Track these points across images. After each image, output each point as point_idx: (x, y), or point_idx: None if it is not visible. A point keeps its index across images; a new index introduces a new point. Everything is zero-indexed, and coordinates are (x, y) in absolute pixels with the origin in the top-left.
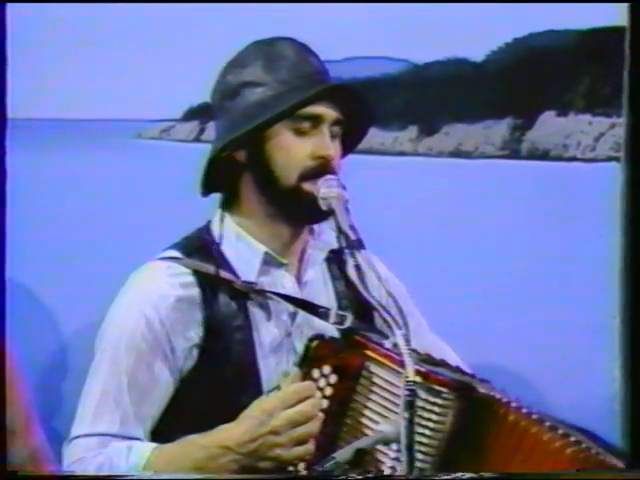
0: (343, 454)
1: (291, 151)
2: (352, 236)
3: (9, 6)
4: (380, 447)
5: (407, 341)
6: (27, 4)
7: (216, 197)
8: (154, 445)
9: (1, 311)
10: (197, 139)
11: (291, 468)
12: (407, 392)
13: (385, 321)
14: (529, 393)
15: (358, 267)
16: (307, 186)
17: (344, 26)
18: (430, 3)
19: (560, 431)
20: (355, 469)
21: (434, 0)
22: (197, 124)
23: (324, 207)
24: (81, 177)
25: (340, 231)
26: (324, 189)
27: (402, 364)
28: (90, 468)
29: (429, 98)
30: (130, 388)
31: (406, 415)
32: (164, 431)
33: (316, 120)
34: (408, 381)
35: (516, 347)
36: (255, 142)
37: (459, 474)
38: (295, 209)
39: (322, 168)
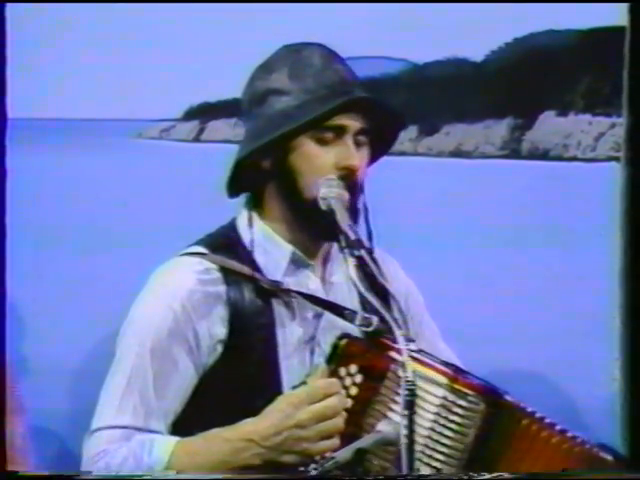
0: (343, 454)
1: (315, 161)
2: (351, 236)
3: (9, 6)
4: (386, 449)
5: (408, 340)
6: (27, 4)
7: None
8: (177, 439)
9: (1, 310)
10: (197, 139)
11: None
12: (406, 392)
13: (385, 320)
14: (529, 393)
15: (358, 266)
16: None
17: (344, 26)
18: (430, 3)
19: (569, 434)
20: (356, 469)
21: (434, 0)
22: (197, 124)
23: (324, 207)
24: (81, 177)
25: (340, 231)
26: (324, 189)
27: (402, 365)
28: (114, 461)
29: (429, 98)
30: (155, 381)
31: (406, 415)
32: (184, 425)
33: (340, 130)
34: (407, 381)
35: (516, 347)
36: (279, 151)
37: (459, 475)
38: (318, 223)
39: (346, 179)
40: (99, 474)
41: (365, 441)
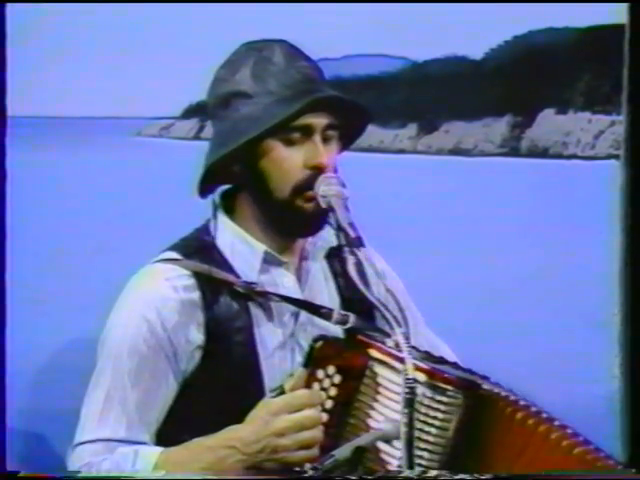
0: (342, 452)
1: (283, 163)
2: (351, 234)
3: (9, 6)
4: (385, 448)
5: (407, 338)
6: (27, 4)
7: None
8: (160, 449)
9: (1, 311)
10: (196, 137)
11: (296, 468)
12: (407, 389)
13: (385, 319)
14: (528, 391)
15: (358, 265)
16: (300, 201)
17: (344, 24)
18: (430, 3)
19: (569, 430)
20: (355, 467)
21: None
22: (197, 122)
23: (323, 205)
24: (80, 175)
25: (339, 229)
26: (324, 187)
27: (402, 361)
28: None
29: (428, 96)
30: (134, 392)
31: (406, 413)
32: (169, 434)
33: (307, 130)
34: (408, 378)
35: (515, 345)
36: (247, 156)
37: (460, 475)
38: (290, 223)
39: (315, 178)
40: (98, 475)
41: (364, 439)
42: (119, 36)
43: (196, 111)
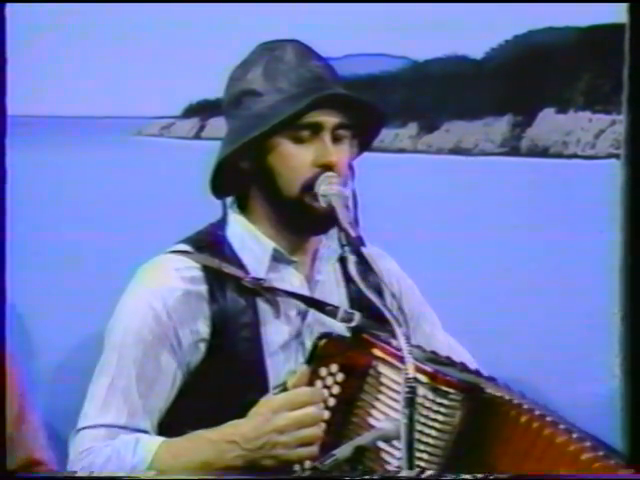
0: (343, 451)
1: (292, 161)
2: (352, 233)
3: (9, 6)
4: (385, 447)
5: (407, 338)
6: (27, 4)
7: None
8: (162, 439)
9: (1, 309)
10: (197, 136)
11: (297, 467)
12: (407, 389)
13: (386, 318)
14: (528, 390)
15: (359, 264)
16: (309, 199)
17: (344, 23)
18: (430, 3)
19: (575, 435)
20: (355, 466)
21: (436, 0)
22: (197, 121)
23: (324, 204)
24: (81, 174)
25: (340, 228)
26: (324, 186)
27: (404, 363)
28: (98, 459)
29: (429, 95)
30: (138, 380)
31: (406, 412)
32: (171, 424)
33: (316, 128)
34: (408, 378)
35: (515, 344)
36: (256, 153)
37: (463, 475)
38: (300, 220)
39: None
40: (98, 474)
41: (365, 438)
42: (119, 36)
43: (197, 110)
